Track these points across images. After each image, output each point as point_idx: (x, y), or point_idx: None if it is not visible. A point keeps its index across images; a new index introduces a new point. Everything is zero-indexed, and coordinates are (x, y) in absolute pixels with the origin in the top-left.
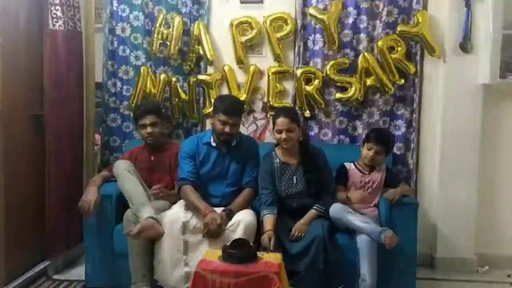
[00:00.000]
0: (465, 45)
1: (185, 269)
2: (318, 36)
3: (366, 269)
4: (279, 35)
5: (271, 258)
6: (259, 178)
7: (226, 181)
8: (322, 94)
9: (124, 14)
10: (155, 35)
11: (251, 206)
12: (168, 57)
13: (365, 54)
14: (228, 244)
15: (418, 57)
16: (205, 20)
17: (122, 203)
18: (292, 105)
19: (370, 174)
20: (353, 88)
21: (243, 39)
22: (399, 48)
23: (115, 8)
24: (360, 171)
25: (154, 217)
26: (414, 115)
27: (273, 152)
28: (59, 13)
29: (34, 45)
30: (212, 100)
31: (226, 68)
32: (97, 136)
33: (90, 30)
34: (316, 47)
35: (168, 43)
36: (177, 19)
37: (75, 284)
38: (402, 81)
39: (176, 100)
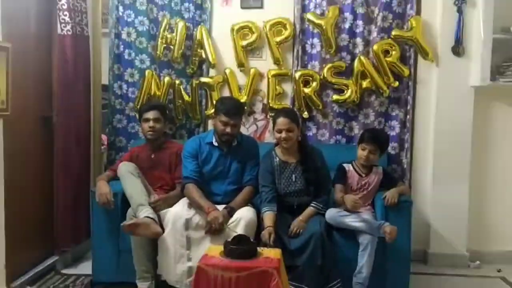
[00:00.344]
0: (457, 49)
1: (187, 264)
2: (316, 40)
3: (364, 262)
4: (278, 39)
5: (271, 254)
6: (259, 176)
7: (228, 180)
8: (320, 96)
9: (129, 19)
10: (159, 39)
11: (251, 204)
12: (171, 60)
13: (361, 57)
14: (229, 240)
15: (412, 61)
16: (207, 25)
17: (127, 200)
18: (291, 106)
19: (367, 176)
20: (350, 90)
21: (244, 43)
22: (394, 52)
23: (121, 14)
24: (357, 173)
25: (151, 217)
26: (408, 116)
27: (273, 151)
28: (67, 18)
29: (43, 49)
30: (214, 102)
31: (227, 71)
32: (104, 137)
33: (97, 35)
34: (314, 51)
35: (172, 47)
36: (181, 24)
37: (83, 279)
38: (397, 83)
39: (180, 101)
